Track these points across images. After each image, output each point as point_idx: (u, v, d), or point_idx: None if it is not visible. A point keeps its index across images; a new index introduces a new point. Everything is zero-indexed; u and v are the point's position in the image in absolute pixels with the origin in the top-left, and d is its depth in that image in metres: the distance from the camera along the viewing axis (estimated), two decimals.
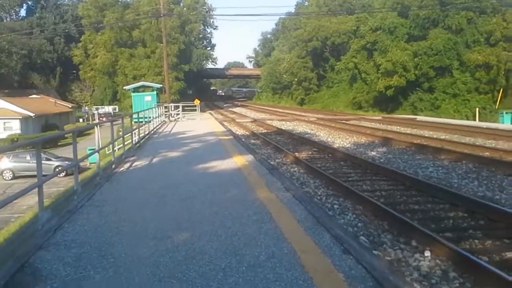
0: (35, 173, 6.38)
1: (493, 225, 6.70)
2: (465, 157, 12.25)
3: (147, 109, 24.02)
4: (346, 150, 15.11)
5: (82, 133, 36.25)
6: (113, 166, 10.24)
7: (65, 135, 31.50)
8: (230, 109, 57.28)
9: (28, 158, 26.66)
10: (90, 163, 23.61)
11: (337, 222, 6.27)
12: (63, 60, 73.54)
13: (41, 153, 6.41)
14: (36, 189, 5.60)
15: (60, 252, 4.55)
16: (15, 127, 44.49)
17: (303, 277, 3.78)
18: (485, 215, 7.00)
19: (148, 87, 36.60)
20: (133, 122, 17.34)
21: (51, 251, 4.60)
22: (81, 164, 12.12)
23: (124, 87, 47.21)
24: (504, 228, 6.47)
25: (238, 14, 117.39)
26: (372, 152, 14.54)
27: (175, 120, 30.28)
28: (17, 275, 4.02)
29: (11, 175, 26.94)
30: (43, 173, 6.04)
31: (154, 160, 11.42)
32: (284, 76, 67.85)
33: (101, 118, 51.12)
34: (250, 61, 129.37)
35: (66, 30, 71.43)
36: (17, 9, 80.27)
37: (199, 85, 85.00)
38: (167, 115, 31.08)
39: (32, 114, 45.99)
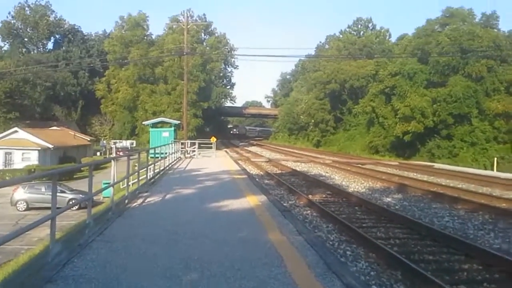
0: (48, 205, 6.43)
1: (509, 278, 6.49)
2: (481, 207, 12.02)
3: (164, 145, 24.25)
4: (361, 194, 14.96)
5: (98, 166, 36.64)
6: (126, 201, 10.27)
7: (81, 168, 31.89)
8: (246, 148, 57.50)
9: (43, 189, 26.87)
10: (104, 197, 23.71)
11: (349, 269, 6.16)
12: (85, 94, 75.32)
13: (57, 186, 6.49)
14: (49, 221, 5.63)
15: (68, 287, 4.53)
16: (33, 158, 45.14)
17: None
18: (501, 268, 6.80)
19: (167, 123, 37.09)
20: (149, 158, 17.47)
21: (60, 285, 4.59)
22: (95, 198, 12.19)
23: (143, 122, 47.93)
24: None
25: (259, 54, 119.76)
26: (388, 198, 14.36)
27: (190, 157, 30.46)
28: None
29: (25, 206, 27.06)
30: (57, 205, 6.08)
31: (168, 196, 11.44)
32: (301, 117, 68.28)
33: (118, 153, 51.71)
34: (268, 101, 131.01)
35: (91, 65, 73.54)
36: (44, 42, 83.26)
37: (216, 122, 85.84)
38: (183, 151, 31.30)
39: (50, 146, 46.68)
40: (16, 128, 47.89)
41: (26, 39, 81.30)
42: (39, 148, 45.49)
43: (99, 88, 70.03)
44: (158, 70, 62.77)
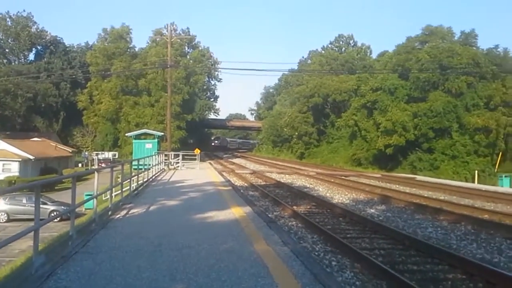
0: (30, 216, 6.34)
1: (492, 287, 6.57)
2: (464, 218, 12.18)
3: (147, 157, 24.10)
4: (345, 206, 15.03)
5: (80, 178, 36.08)
6: (110, 212, 10.16)
7: (63, 180, 31.38)
8: (230, 159, 57.43)
9: (24, 201, 26.41)
10: (86, 209, 23.36)
11: (335, 279, 6.17)
12: (67, 105, 74.48)
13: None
14: (31, 233, 5.54)
15: None
16: (14, 169, 44.33)
17: None
18: (484, 278, 6.89)
19: (150, 134, 36.93)
20: (132, 169, 17.36)
21: None
22: (77, 209, 12.03)
23: (126, 134, 47.60)
24: None
25: (243, 68, 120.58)
26: (371, 210, 14.46)
27: (174, 168, 30.30)
28: None
29: (6, 218, 26.55)
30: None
31: (152, 208, 11.35)
32: (285, 129, 68.61)
33: (100, 164, 51.13)
34: (252, 114, 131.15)
35: (73, 76, 72.87)
36: (26, 53, 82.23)
37: (200, 134, 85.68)
38: (166, 163, 31.12)
39: (31, 157, 45.95)
40: None
41: (7, 50, 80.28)
42: (20, 160, 44.72)
43: (81, 99, 69.37)
44: (142, 82, 62.56)
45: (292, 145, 67.70)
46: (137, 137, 36.63)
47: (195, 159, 34.04)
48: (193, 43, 75.42)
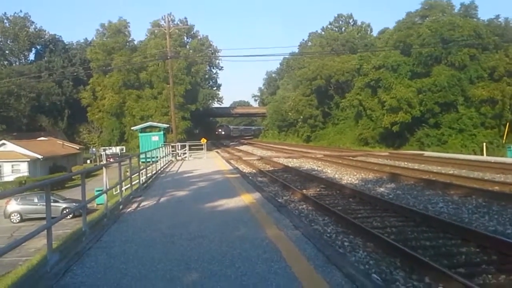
0: (42, 215, 6.39)
1: (506, 259, 6.57)
2: (474, 192, 12.14)
3: (154, 149, 24.16)
4: (354, 186, 15.03)
5: (89, 174, 36.35)
6: (121, 206, 10.23)
7: (72, 177, 31.60)
8: (237, 147, 57.48)
9: (35, 200, 26.71)
10: (97, 204, 23.54)
11: (348, 260, 6.19)
12: (71, 103, 74.72)
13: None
14: (45, 231, 5.59)
15: None
16: (23, 169, 44.72)
17: None
18: (498, 250, 6.88)
19: (155, 127, 36.94)
20: (140, 162, 17.42)
21: None
22: (89, 205, 12.12)
23: (132, 128, 47.71)
24: None
25: (243, 55, 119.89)
26: (381, 188, 14.44)
27: (182, 159, 30.38)
28: None
29: (19, 218, 26.87)
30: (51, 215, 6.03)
31: (162, 199, 11.41)
32: (290, 114, 68.44)
33: (108, 159, 51.41)
34: (256, 100, 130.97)
35: (75, 73, 72.96)
36: (26, 53, 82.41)
37: (205, 124, 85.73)
38: (174, 154, 31.21)
39: (40, 157, 46.28)
40: (4, 141, 47.41)
41: (7, 52, 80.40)
42: (29, 160, 45.08)
43: (84, 96, 69.55)
44: (143, 75, 62.54)
45: (298, 129, 67.58)
46: (143, 130, 36.67)
47: (202, 149, 34.10)
48: (192, 32, 75.12)
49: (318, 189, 14.60)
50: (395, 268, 6.39)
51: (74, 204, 25.70)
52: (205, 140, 35.78)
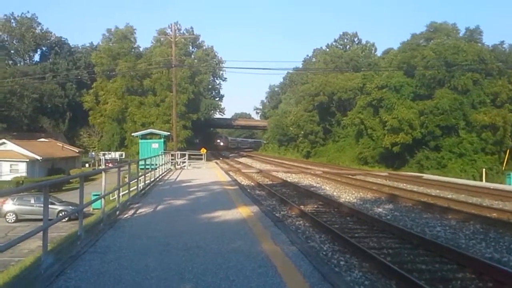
0: (38, 216, 6.37)
1: (501, 286, 6.53)
2: (472, 217, 12.09)
3: (154, 156, 24.15)
4: (352, 205, 14.98)
5: (87, 178, 36.23)
6: (117, 212, 10.19)
7: (70, 180, 31.51)
8: (236, 159, 57.45)
9: (32, 201, 26.59)
10: (94, 209, 23.48)
11: (343, 279, 6.15)
12: (73, 106, 74.83)
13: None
14: (40, 233, 5.56)
15: None
16: (22, 169, 44.62)
17: None
18: (493, 277, 6.84)
19: (156, 134, 37.00)
20: (139, 169, 17.42)
21: None
22: (85, 209, 12.08)
23: (132, 134, 47.76)
24: None
25: (247, 67, 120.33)
26: (379, 209, 14.40)
27: (181, 168, 30.37)
28: None
29: (14, 218, 26.76)
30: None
31: (159, 207, 11.37)
32: (291, 128, 68.54)
33: (107, 164, 51.34)
34: (257, 113, 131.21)
35: (78, 77, 73.19)
36: (31, 54, 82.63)
37: (206, 134, 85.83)
38: (173, 163, 31.19)
39: (39, 158, 46.21)
40: (3, 140, 47.34)
41: (12, 51, 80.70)
42: (27, 160, 44.99)
43: (86, 100, 69.65)
44: (147, 82, 62.74)
45: (298, 144, 67.61)
46: (143, 137, 36.72)
47: (201, 159, 34.11)
48: (197, 42, 75.67)
49: (316, 206, 14.56)
50: None
51: (70, 207, 25.60)
52: (205, 150, 35.79)
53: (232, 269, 5.54)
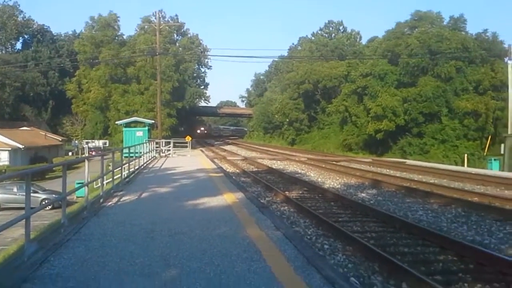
0: (21, 205, 6.30)
1: (482, 269, 6.67)
2: (454, 201, 12.29)
3: (138, 144, 23.99)
4: (336, 190, 15.10)
5: (70, 166, 35.90)
6: (101, 200, 10.13)
7: (54, 168, 31.16)
8: (222, 147, 57.39)
9: (15, 190, 26.31)
10: (77, 197, 23.31)
11: (327, 262, 6.21)
12: (56, 94, 73.85)
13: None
14: (23, 221, 5.51)
15: (45, 286, 4.45)
16: (4, 158, 44.06)
17: None
18: (475, 259, 6.98)
19: (140, 122, 36.70)
20: (123, 157, 17.29)
21: (37, 284, 4.50)
22: (68, 197, 11.97)
23: (116, 122, 47.30)
24: (493, 273, 6.45)
25: (232, 55, 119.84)
26: (362, 194, 14.55)
27: (165, 156, 30.23)
28: None
29: None
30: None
31: (143, 195, 11.33)
32: (276, 116, 68.62)
33: (91, 152, 50.87)
34: (243, 101, 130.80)
35: (61, 65, 72.14)
36: (13, 42, 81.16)
37: (191, 122, 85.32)
38: (158, 150, 31.03)
39: (21, 146, 45.65)
40: None
41: None
42: (10, 149, 44.43)
43: (69, 88, 68.67)
44: (130, 70, 61.95)
45: (283, 132, 67.78)
46: (127, 125, 36.39)
47: (186, 147, 33.99)
48: (182, 30, 74.79)
49: (300, 192, 14.64)
50: (373, 273, 6.44)
51: (53, 195, 25.41)
52: (190, 138, 35.65)
53: (217, 254, 5.57)
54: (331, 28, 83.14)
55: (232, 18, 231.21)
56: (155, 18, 49.48)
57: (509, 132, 31.05)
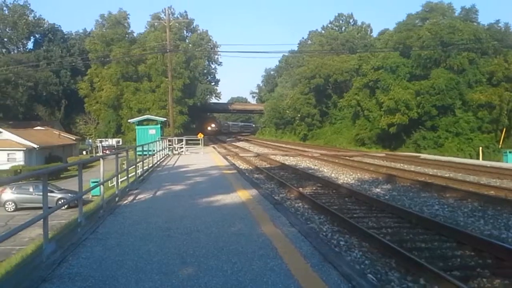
0: (37, 205, 6.37)
1: (500, 263, 6.59)
2: (470, 195, 12.18)
3: (151, 142, 24.10)
4: (351, 186, 15.04)
5: (85, 165, 36.22)
6: (117, 199, 10.20)
7: (68, 167, 31.51)
8: (233, 143, 57.46)
9: (31, 190, 26.61)
10: (93, 196, 23.53)
11: (344, 259, 6.19)
12: (68, 93, 74.48)
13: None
14: (40, 221, 5.56)
15: (64, 285, 4.49)
16: (19, 158, 44.61)
17: None
18: (493, 254, 6.90)
19: (153, 120, 36.86)
20: (137, 155, 17.39)
21: (55, 283, 4.54)
22: (84, 196, 12.10)
23: (129, 120, 47.62)
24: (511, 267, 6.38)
25: (242, 51, 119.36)
26: (377, 189, 14.47)
27: (178, 153, 30.35)
28: None
29: (14, 207, 26.80)
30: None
31: (158, 193, 11.39)
32: (287, 111, 68.44)
33: (104, 151, 51.32)
34: (254, 97, 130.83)
35: (73, 64, 72.69)
36: (24, 42, 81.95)
37: (202, 119, 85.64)
38: (170, 148, 31.17)
39: (36, 146, 46.16)
40: (0, 129, 47.21)
41: (5, 39, 79.92)
42: (25, 149, 44.96)
43: (82, 87, 69.30)
44: (141, 67, 62.34)
45: (295, 127, 67.59)
46: (140, 123, 36.57)
47: (198, 144, 34.10)
48: (192, 26, 75.07)
49: (314, 188, 14.61)
50: (391, 269, 6.40)
51: (69, 194, 25.66)
52: (202, 135, 35.75)
53: (233, 251, 5.58)
54: (341, 21, 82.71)
55: (241, 14, 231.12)
56: (165, 15, 49.73)
57: None
